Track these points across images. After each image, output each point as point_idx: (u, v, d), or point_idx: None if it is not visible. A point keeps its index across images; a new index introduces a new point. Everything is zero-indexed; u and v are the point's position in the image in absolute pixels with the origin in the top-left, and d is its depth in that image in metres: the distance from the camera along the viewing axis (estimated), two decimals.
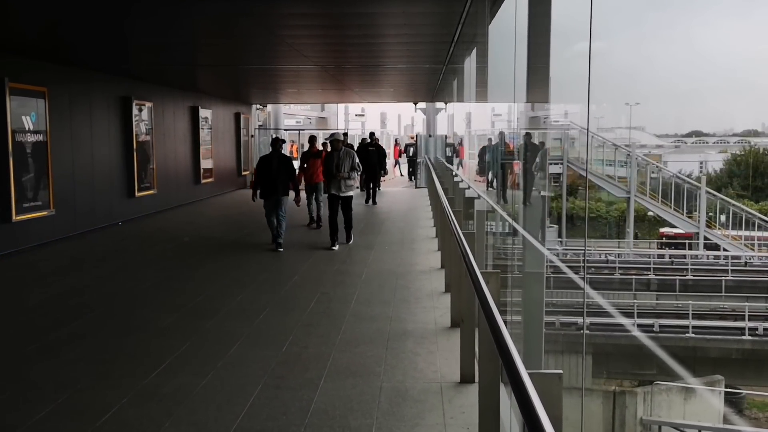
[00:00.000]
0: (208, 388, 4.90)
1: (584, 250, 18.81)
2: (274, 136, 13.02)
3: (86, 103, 12.94)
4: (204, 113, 19.34)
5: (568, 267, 15.52)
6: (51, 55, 11.36)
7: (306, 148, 13.90)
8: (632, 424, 15.91)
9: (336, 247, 10.55)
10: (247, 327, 6.47)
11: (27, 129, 10.81)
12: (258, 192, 10.81)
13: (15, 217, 10.45)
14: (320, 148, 13.65)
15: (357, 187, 12.98)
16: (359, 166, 10.87)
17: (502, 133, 9.41)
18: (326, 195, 11.79)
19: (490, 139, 20.92)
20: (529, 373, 1.86)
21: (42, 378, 5.17)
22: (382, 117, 54.03)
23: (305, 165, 12.97)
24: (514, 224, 5.49)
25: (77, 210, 12.48)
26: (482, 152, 22.25)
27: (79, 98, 12.64)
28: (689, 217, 27.13)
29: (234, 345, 5.87)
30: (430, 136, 27.08)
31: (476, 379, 4.82)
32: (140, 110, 15.15)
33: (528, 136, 6.07)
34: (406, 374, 5.16)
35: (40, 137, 11.18)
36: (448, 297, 7.12)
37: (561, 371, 1.89)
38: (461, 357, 4.99)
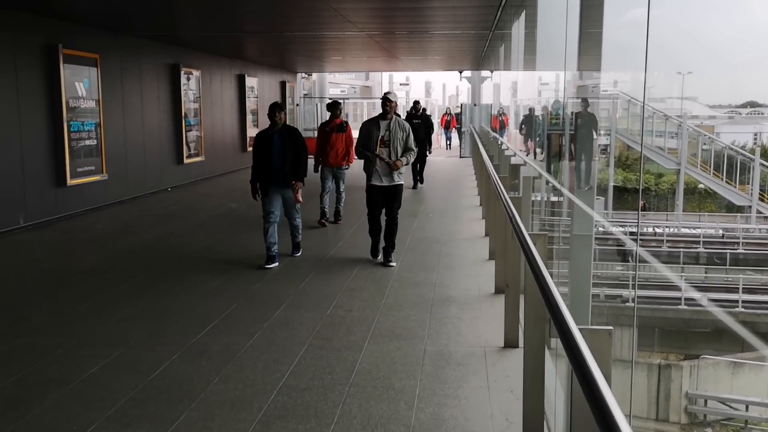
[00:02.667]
0: (255, 347, 5.01)
1: (638, 222, 18.52)
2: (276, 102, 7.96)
3: (136, 71, 13.14)
4: (250, 82, 19.47)
5: (616, 240, 15.30)
6: (102, 22, 11.53)
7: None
8: (677, 397, 15.74)
9: (379, 257, 7.67)
10: (293, 290, 6.56)
11: (80, 95, 11.04)
12: (258, 185, 7.54)
13: (69, 182, 10.75)
14: (344, 119, 10.18)
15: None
16: (415, 147, 7.55)
17: (557, 101, 8.67)
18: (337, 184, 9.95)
19: (531, 109, 20.57)
20: (579, 329, 1.85)
21: (95, 335, 5.34)
22: (426, 86, 53.65)
23: (325, 143, 9.79)
24: (562, 189, 5.43)
25: (129, 175, 12.76)
26: (524, 122, 21.91)
27: (129, 65, 12.84)
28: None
29: (280, 307, 5.97)
30: (475, 105, 26.78)
31: (520, 344, 4.82)
32: (188, 78, 15.33)
33: (585, 102, 5.80)
34: (450, 338, 5.19)
35: (93, 104, 11.42)
36: (492, 264, 7.09)
37: (611, 327, 1.88)
38: (506, 322, 4.99)
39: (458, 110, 27.45)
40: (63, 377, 4.47)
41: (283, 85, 23.28)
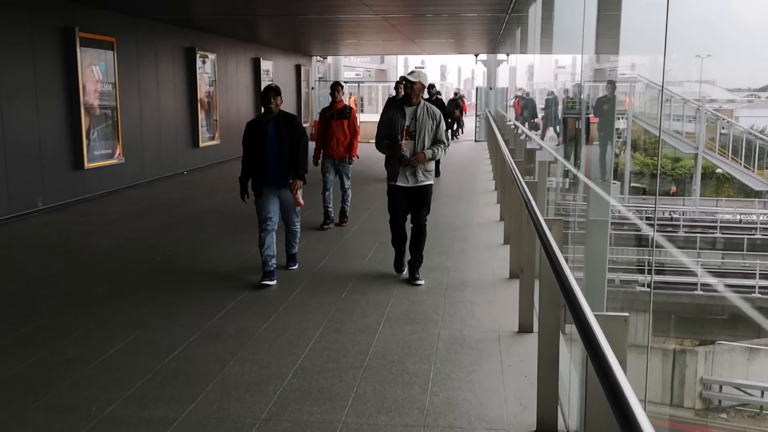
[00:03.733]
0: (271, 330, 5.05)
1: (655, 206, 18.33)
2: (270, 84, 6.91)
3: (152, 54, 13.17)
4: (265, 65, 19.46)
5: (632, 224, 15.18)
6: (118, 5, 11.55)
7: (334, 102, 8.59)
8: (692, 383, 15.69)
9: (405, 272, 6.43)
10: (307, 274, 6.59)
11: (97, 79, 11.09)
12: (248, 185, 6.34)
13: (87, 165, 10.83)
14: (348, 103, 8.93)
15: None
16: (448, 140, 6.49)
17: (579, 85, 8.16)
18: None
19: (527, 93, 20.52)
20: (595, 315, 1.84)
21: (113, 317, 5.40)
22: (442, 69, 53.39)
23: (324, 131, 8.61)
24: (578, 173, 5.40)
25: (145, 159, 12.84)
26: (524, 105, 21.82)
27: (145, 49, 12.87)
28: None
29: (295, 291, 6.01)
30: (490, 88, 26.64)
31: (534, 329, 4.83)
32: (204, 62, 15.34)
33: (612, 86, 5.62)
34: (464, 323, 5.20)
35: (110, 87, 11.47)
36: (506, 249, 7.09)
37: (627, 314, 1.87)
38: (520, 307, 4.99)
39: (461, 93, 26.76)
40: (81, 358, 4.54)
41: (298, 68, 23.26)
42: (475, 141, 24.22)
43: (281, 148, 6.11)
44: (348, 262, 7.08)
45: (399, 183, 6.13)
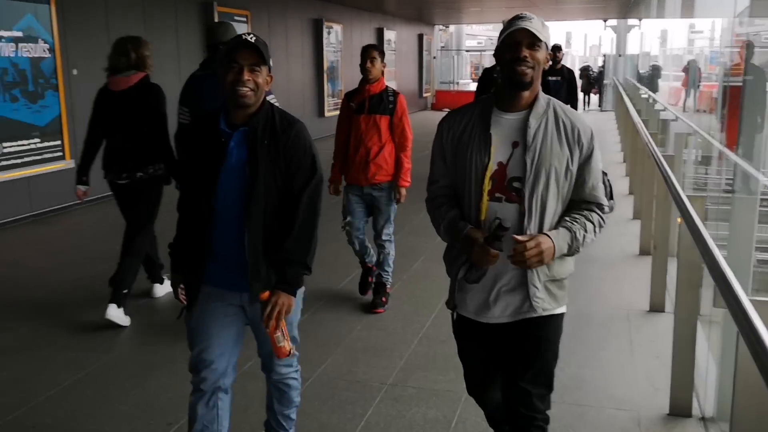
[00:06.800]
0: (395, 297, 5.12)
1: None
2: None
3: (282, 26, 13.58)
4: (389, 35, 19.56)
5: None
6: None
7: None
8: None
9: None
10: (430, 243, 6.62)
11: None
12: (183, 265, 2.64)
13: None
14: (388, 84, 5.04)
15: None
16: (610, 192, 2.52)
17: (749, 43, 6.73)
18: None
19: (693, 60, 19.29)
20: (750, 300, 1.76)
21: None
22: (567, 36, 51.52)
23: (347, 135, 4.89)
24: (722, 148, 5.09)
25: None
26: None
27: (276, 21, 13.28)
28: None
29: (418, 259, 6.10)
30: (620, 55, 25.46)
31: (667, 308, 4.66)
32: (329, 32, 15.64)
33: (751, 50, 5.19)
34: (591, 299, 5.08)
35: None
36: (636, 224, 6.83)
37: None
38: (651, 285, 4.82)
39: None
40: None
41: (420, 37, 23.21)
42: (601, 110, 23.31)
43: (256, 198, 2.52)
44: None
45: (474, 316, 2.51)
